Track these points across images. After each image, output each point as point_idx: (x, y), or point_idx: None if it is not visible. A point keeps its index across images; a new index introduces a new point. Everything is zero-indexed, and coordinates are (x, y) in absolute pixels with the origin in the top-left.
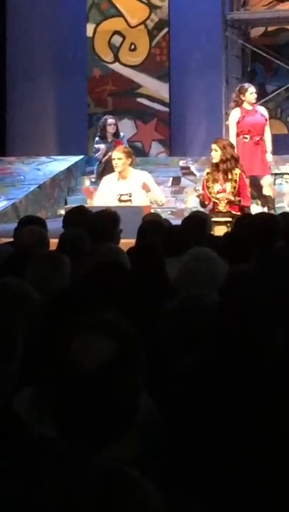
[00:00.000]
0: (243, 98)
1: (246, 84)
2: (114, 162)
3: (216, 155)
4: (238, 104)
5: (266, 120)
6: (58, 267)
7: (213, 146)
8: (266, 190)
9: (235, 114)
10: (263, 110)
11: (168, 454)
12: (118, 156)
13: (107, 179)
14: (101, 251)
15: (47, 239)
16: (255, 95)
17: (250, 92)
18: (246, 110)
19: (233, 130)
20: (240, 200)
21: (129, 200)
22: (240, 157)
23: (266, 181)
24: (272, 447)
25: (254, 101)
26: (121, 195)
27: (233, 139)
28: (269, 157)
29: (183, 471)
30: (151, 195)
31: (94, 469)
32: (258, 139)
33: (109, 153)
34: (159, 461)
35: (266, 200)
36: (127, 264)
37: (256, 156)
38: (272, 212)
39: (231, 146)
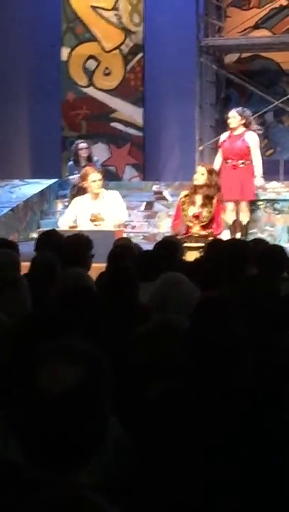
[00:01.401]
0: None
1: (248, 112)
2: (94, 184)
3: (202, 178)
4: (246, 125)
5: (248, 146)
6: (18, 291)
7: (201, 169)
8: (242, 216)
9: (221, 136)
10: (248, 136)
11: (138, 480)
12: (98, 178)
13: (80, 199)
14: (67, 276)
15: (18, 262)
16: (242, 122)
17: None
18: (232, 135)
19: (220, 152)
20: (211, 232)
21: (101, 219)
22: (221, 180)
23: (242, 207)
24: (246, 475)
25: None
26: (93, 214)
27: (218, 159)
28: (257, 181)
29: (154, 497)
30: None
31: (60, 497)
32: (236, 163)
33: None
34: (128, 487)
35: (240, 226)
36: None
37: (235, 181)
38: (243, 238)
39: (216, 173)
